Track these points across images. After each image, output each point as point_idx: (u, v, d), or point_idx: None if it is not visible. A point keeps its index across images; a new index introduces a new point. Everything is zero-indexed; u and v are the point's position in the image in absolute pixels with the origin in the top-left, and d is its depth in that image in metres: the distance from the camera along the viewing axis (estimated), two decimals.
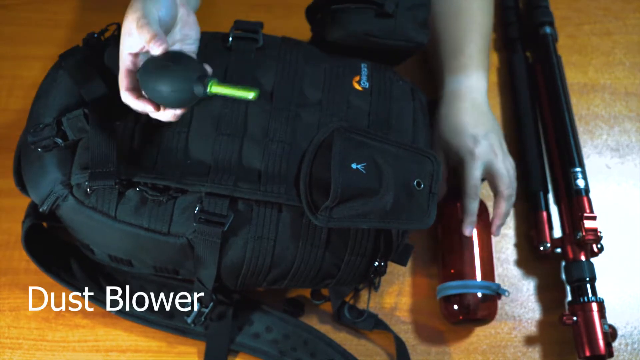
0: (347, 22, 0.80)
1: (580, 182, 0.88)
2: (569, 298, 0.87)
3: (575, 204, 0.87)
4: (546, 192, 0.92)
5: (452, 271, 0.84)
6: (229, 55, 0.79)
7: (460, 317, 0.83)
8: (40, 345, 0.83)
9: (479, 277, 0.83)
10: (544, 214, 0.90)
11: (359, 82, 0.80)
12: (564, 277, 0.87)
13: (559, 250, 0.88)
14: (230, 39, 0.80)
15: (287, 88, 0.78)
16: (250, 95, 0.66)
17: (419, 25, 0.82)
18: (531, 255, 0.90)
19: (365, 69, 0.81)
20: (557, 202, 0.92)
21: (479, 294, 0.82)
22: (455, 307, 0.83)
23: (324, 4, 0.82)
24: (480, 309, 0.82)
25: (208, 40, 0.80)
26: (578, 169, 0.89)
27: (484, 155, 0.84)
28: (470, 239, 0.85)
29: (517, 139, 0.95)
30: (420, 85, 0.88)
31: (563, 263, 0.87)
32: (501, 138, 0.87)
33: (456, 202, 0.86)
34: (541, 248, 0.88)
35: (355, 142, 0.72)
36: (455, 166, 0.86)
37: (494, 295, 0.82)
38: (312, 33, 0.87)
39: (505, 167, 0.85)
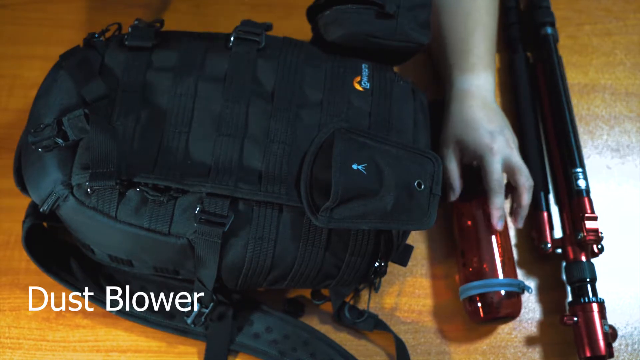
0: (348, 23, 0.80)
1: (581, 183, 0.88)
2: (570, 298, 0.87)
3: (575, 204, 0.87)
4: (547, 193, 0.92)
5: (471, 270, 0.84)
6: (229, 56, 0.79)
7: (484, 316, 0.82)
8: (41, 345, 0.83)
9: (500, 275, 0.83)
10: (545, 214, 0.90)
11: (359, 83, 0.80)
12: (564, 277, 0.87)
13: (559, 250, 0.88)
14: (232, 39, 0.80)
15: (287, 88, 0.78)
16: None
17: (420, 26, 0.81)
18: (532, 255, 0.90)
19: (366, 70, 0.81)
20: (558, 203, 0.92)
21: (502, 292, 0.82)
22: (479, 306, 0.82)
23: (325, 4, 0.82)
24: (504, 307, 0.82)
25: (209, 41, 0.80)
26: (579, 170, 0.89)
27: (502, 150, 0.84)
28: (489, 236, 0.85)
29: (517, 139, 0.95)
30: (421, 85, 0.88)
31: (564, 263, 0.87)
32: (513, 134, 0.88)
33: (472, 200, 0.86)
34: (542, 248, 0.88)
35: (356, 143, 0.72)
36: (469, 163, 0.87)
37: (518, 292, 0.82)
38: (313, 33, 0.87)
39: (521, 160, 0.86)
